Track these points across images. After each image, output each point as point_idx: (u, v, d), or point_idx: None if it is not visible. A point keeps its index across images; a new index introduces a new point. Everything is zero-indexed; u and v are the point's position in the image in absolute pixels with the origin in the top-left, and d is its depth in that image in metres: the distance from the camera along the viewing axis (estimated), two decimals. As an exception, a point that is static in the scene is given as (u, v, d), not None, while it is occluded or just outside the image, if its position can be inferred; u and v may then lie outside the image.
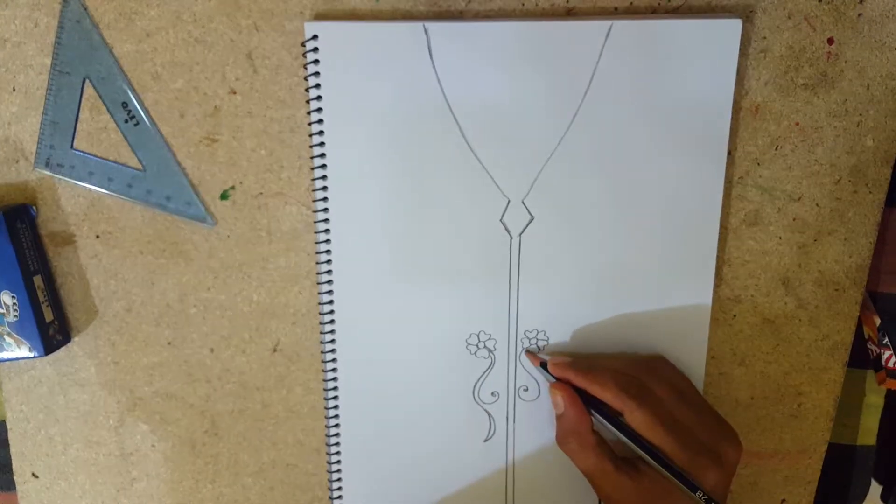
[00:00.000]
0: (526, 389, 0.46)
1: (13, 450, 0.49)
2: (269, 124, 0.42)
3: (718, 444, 0.40)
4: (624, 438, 0.40)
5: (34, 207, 0.44)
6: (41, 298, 0.44)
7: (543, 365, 0.44)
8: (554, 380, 0.43)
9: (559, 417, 0.42)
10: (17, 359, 0.44)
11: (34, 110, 0.43)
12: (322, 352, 0.46)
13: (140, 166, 0.43)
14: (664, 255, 0.43)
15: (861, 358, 0.47)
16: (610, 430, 0.41)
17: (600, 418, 0.41)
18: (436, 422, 0.47)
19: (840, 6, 0.40)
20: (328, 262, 0.44)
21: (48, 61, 0.42)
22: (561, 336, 0.45)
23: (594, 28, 0.39)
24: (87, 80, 0.42)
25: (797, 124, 0.42)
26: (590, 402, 0.41)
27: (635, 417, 0.39)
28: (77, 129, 0.43)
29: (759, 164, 0.42)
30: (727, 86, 0.40)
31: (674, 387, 0.42)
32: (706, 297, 0.44)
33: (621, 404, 0.40)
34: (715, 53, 0.39)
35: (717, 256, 0.43)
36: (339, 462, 0.48)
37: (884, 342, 0.45)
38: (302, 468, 0.49)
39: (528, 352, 0.45)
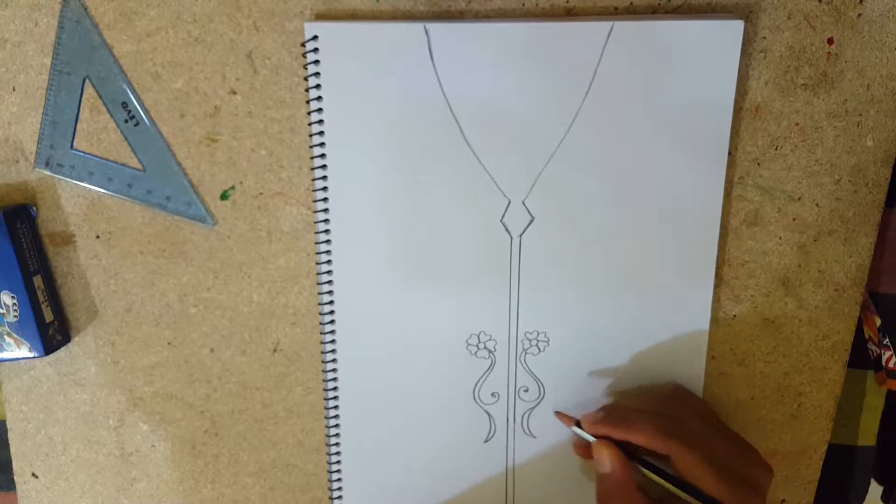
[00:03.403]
0: (526, 390, 0.46)
1: (13, 450, 0.49)
2: (270, 124, 0.42)
3: (753, 472, 0.39)
4: (676, 490, 0.39)
5: (34, 207, 0.44)
6: (41, 298, 0.44)
7: (578, 424, 0.43)
8: (591, 439, 0.42)
9: (603, 476, 0.40)
10: (17, 359, 0.44)
11: (34, 110, 0.43)
12: (322, 352, 0.46)
13: (140, 166, 0.43)
14: (664, 255, 0.43)
15: (861, 358, 0.47)
16: (657, 483, 0.39)
17: (647, 472, 0.40)
18: (436, 422, 0.47)
19: (840, 6, 0.40)
20: (328, 262, 0.44)
21: (48, 61, 0.42)
22: (561, 337, 0.45)
23: (595, 29, 0.39)
24: (87, 80, 0.42)
25: (797, 124, 0.42)
26: (630, 455, 0.40)
27: (684, 462, 0.38)
28: (77, 129, 0.43)
29: (759, 164, 0.42)
30: (728, 87, 0.40)
31: (705, 418, 0.41)
32: (706, 298, 0.44)
33: (667, 449, 0.39)
34: (716, 54, 0.39)
35: (717, 256, 0.43)
36: (338, 462, 0.48)
37: (884, 343, 0.45)
38: (302, 468, 0.49)
39: (559, 413, 0.45)
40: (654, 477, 0.40)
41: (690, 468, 0.38)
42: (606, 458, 0.40)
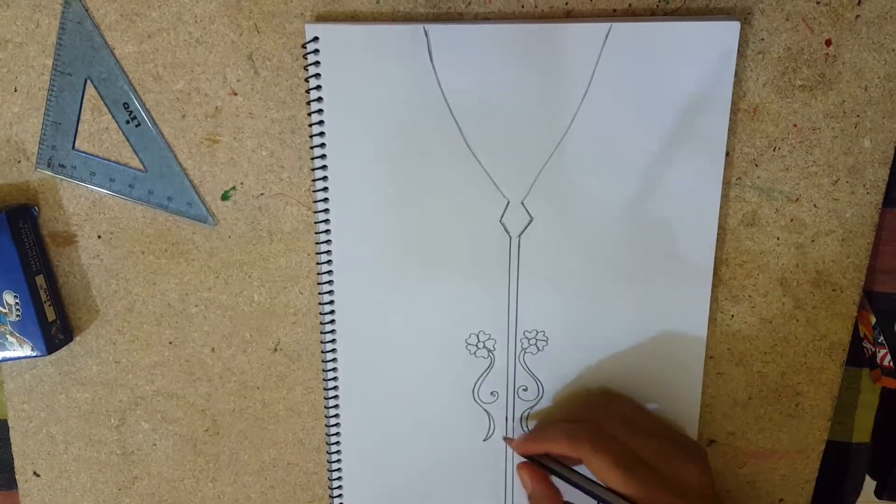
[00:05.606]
0: (525, 389, 0.46)
1: (15, 449, 0.49)
2: (270, 125, 0.43)
3: (683, 470, 0.39)
4: (593, 494, 0.40)
5: (36, 207, 0.44)
6: (43, 298, 0.44)
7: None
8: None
9: (530, 497, 0.42)
10: (19, 358, 0.44)
11: (36, 111, 0.43)
12: (322, 351, 0.46)
13: (141, 167, 0.43)
14: (663, 255, 0.43)
15: (856, 356, 0.47)
16: (580, 490, 0.41)
17: (565, 482, 0.41)
18: (435, 421, 0.47)
19: (838, 8, 0.40)
20: (328, 262, 0.44)
21: (50, 62, 0.42)
22: (560, 336, 0.45)
23: (593, 30, 0.39)
24: (89, 81, 0.42)
25: (795, 125, 0.42)
26: (554, 471, 0.42)
27: (593, 464, 0.39)
28: (79, 129, 0.43)
29: (756, 165, 0.43)
30: (725, 87, 0.40)
31: (626, 419, 0.41)
32: (704, 298, 0.44)
33: (578, 453, 0.39)
34: (713, 55, 0.40)
35: (715, 257, 0.44)
36: (339, 461, 0.48)
37: (879, 341, 0.45)
38: (302, 467, 0.49)
39: (507, 439, 0.46)
40: (567, 484, 0.41)
41: (599, 470, 0.39)
42: (526, 478, 0.42)
